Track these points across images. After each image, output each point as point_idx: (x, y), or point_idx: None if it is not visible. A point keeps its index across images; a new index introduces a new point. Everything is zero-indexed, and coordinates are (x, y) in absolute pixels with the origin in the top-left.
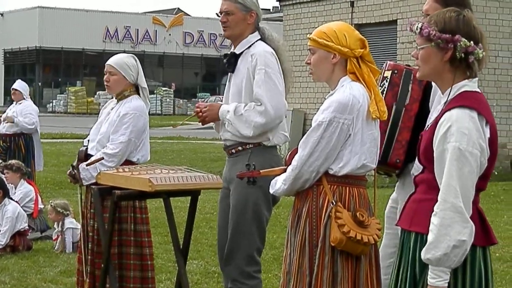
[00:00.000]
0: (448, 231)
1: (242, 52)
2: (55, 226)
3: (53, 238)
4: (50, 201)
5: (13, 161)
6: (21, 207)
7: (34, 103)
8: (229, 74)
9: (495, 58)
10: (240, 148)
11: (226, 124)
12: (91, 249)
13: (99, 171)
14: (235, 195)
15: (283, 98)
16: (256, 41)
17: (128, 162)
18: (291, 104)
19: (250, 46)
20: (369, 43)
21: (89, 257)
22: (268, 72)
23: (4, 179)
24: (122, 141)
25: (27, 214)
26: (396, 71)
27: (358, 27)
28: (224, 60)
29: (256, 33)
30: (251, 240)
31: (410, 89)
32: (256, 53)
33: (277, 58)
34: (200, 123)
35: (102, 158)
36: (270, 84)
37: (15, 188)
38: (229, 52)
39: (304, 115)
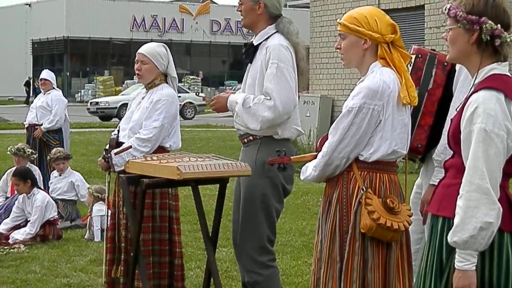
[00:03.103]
0: (475, 212)
1: (260, 44)
2: (88, 209)
3: (82, 219)
4: (88, 187)
5: (62, 150)
6: (74, 195)
7: (63, 93)
8: (248, 64)
9: None
10: (251, 138)
11: (234, 116)
12: (124, 236)
13: (130, 158)
14: (244, 185)
15: (293, 94)
16: (274, 33)
17: (160, 148)
18: (318, 91)
19: (267, 38)
20: None
21: (122, 244)
22: (281, 66)
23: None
24: (155, 126)
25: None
26: (420, 56)
27: (386, 12)
28: (243, 51)
29: (274, 25)
30: (260, 230)
31: (433, 73)
32: (270, 46)
33: (292, 53)
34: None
35: (130, 147)
36: (281, 79)
37: (59, 175)
38: (248, 42)
39: (332, 101)
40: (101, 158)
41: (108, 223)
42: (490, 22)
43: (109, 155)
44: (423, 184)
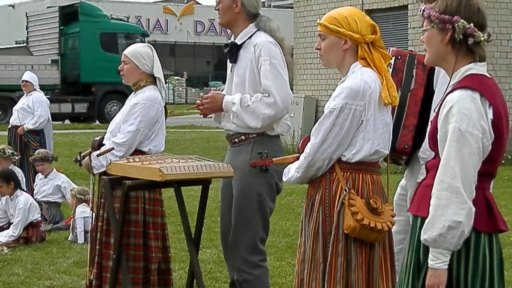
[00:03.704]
0: (444, 211)
1: (243, 42)
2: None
3: (65, 221)
4: (71, 189)
5: (42, 151)
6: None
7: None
8: (230, 64)
9: (507, 42)
10: (243, 137)
11: (231, 116)
12: (99, 239)
13: (109, 161)
14: (238, 185)
15: (289, 89)
16: (256, 31)
17: (138, 152)
18: (302, 91)
19: (250, 36)
20: (380, 29)
21: (97, 247)
22: (274, 63)
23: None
24: (129, 130)
25: (59, 203)
26: (399, 57)
27: (369, 12)
28: (225, 50)
29: (254, 24)
30: (255, 230)
31: (414, 74)
32: (259, 43)
33: (280, 49)
34: (202, 114)
35: (113, 149)
36: (276, 75)
37: (45, 177)
38: (229, 42)
39: (316, 102)
40: (74, 159)
41: (92, 224)
42: (462, 20)
43: (80, 159)
44: (408, 186)
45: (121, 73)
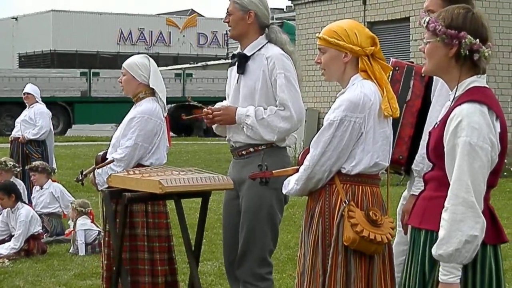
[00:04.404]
0: (460, 226)
1: (253, 54)
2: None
3: (65, 234)
4: (71, 202)
5: (37, 163)
6: (57, 206)
7: None
8: (236, 75)
9: (509, 54)
10: (251, 149)
11: (245, 129)
12: (107, 253)
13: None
14: (248, 197)
15: (301, 102)
16: (266, 43)
17: (140, 167)
18: (304, 103)
19: (261, 48)
20: (382, 41)
21: (105, 262)
22: (288, 76)
23: (16, 183)
24: (127, 145)
25: (60, 214)
26: (397, 68)
27: (371, 25)
28: (233, 61)
29: (264, 35)
30: (265, 243)
31: (411, 85)
32: (272, 56)
33: (292, 62)
34: (208, 124)
35: (113, 161)
36: (291, 88)
37: (41, 188)
38: (236, 53)
39: (318, 114)
40: (75, 179)
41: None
42: (469, 36)
43: (81, 178)
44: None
45: (120, 84)
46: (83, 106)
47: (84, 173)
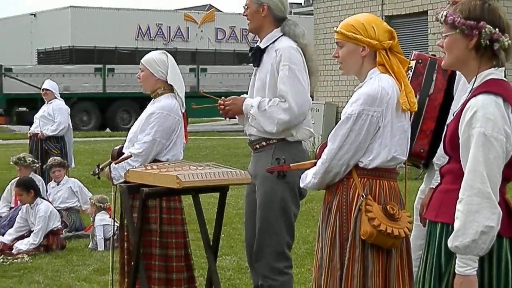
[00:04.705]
0: (476, 217)
1: (267, 47)
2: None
3: (85, 229)
4: (90, 197)
5: (57, 158)
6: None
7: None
8: (254, 68)
9: None
10: (264, 143)
11: (250, 119)
12: (126, 248)
13: (127, 170)
14: (261, 191)
15: (307, 95)
16: (280, 36)
17: (157, 162)
18: (323, 97)
19: (275, 41)
20: (400, 35)
21: (126, 256)
22: (293, 68)
23: (35, 178)
24: (146, 141)
25: (78, 209)
26: (420, 61)
27: (389, 19)
28: (249, 54)
29: (280, 28)
30: (280, 236)
31: (434, 78)
32: (280, 48)
33: (302, 55)
34: (224, 116)
35: (131, 156)
36: (294, 80)
37: (57, 184)
38: (254, 46)
39: (336, 108)
40: (92, 172)
41: (116, 234)
42: (489, 26)
43: (98, 172)
44: (427, 190)
45: (139, 80)
46: None
47: (100, 167)
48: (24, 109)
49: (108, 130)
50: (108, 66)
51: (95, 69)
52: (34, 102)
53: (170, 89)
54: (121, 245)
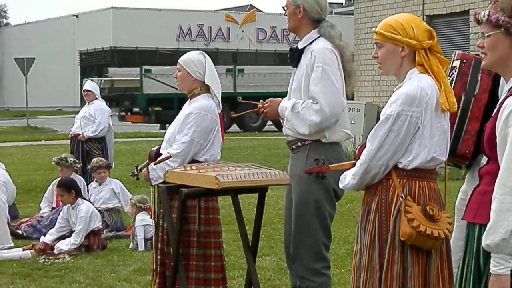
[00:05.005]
0: (507, 215)
1: (304, 48)
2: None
3: (125, 230)
4: (130, 198)
5: (102, 160)
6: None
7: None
8: (294, 69)
9: None
10: (299, 144)
11: (284, 121)
12: (161, 249)
13: (165, 171)
14: (296, 191)
15: (340, 97)
16: (317, 37)
17: (195, 163)
18: (363, 98)
19: (312, 42)
20: (441, 34)
21: (159, 257)
22: (326, 69)
23: (76, 179)
24: (184, 141)
25: (119, 209)
26: (465, 61)
27: (430, 18)
28: (288, 55)
29: (317, 29)
30: (316, 237)
31: (479, 78)
32: (315, 49)
33: (337, 56)
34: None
35: (170, 157)
36: (327, 81)
37: (99, 185)
38: (294, 47)
39: (377, 108)
40: (130, 173)
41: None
42: None
43: (137, 173)
44: (468, 191)
45: (176, 80)
46: None
47: (139, 167)
48: (159, 108)
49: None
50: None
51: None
52: (170, 101)
53: (207, 89)
54: (155, 245)
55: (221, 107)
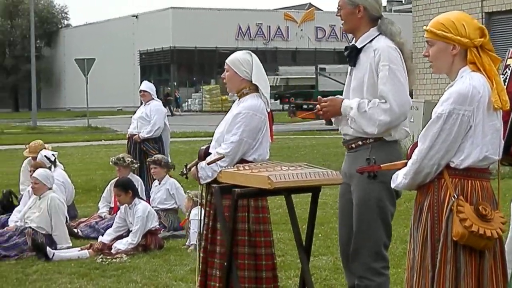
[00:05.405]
0: None
1: (364, 46)
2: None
3: (180, 223)
4: (187, 191)
5: (159, 156)
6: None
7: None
8: (349, 67)
9: None
10: (360, 142)
11: (349, 121)
12: (204, 247)
13: (215, 171)
14: (357, 191)
15: (407, 95)
16: (378, 35)
17: (244, 162)
18: (422, 96)
19: (372, 40)
20: (500, 32)
21: (201, 255)
22: (393, 68)
23: (133, 179)
24: (233, 141)
25: (176, 209)
26: None
27: (489, 15)
28: (345, 53)
29: (376, 27)
30: (377, 236)
31: None
32: (379, 48)
33: (400, 54)
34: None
35: (223, 157)
36: (395, 80)
37: (159, 183)
38: (350, 45)
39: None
40: (180, 172)
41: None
42: None
43: (186, 172)
44: None
45: (224, 80)
46: None
47: (188, 166)
48: None
49: None
50: None
51: None
52: None
53: (255, 88)
54: (199, 243)
55: (269, 106)
